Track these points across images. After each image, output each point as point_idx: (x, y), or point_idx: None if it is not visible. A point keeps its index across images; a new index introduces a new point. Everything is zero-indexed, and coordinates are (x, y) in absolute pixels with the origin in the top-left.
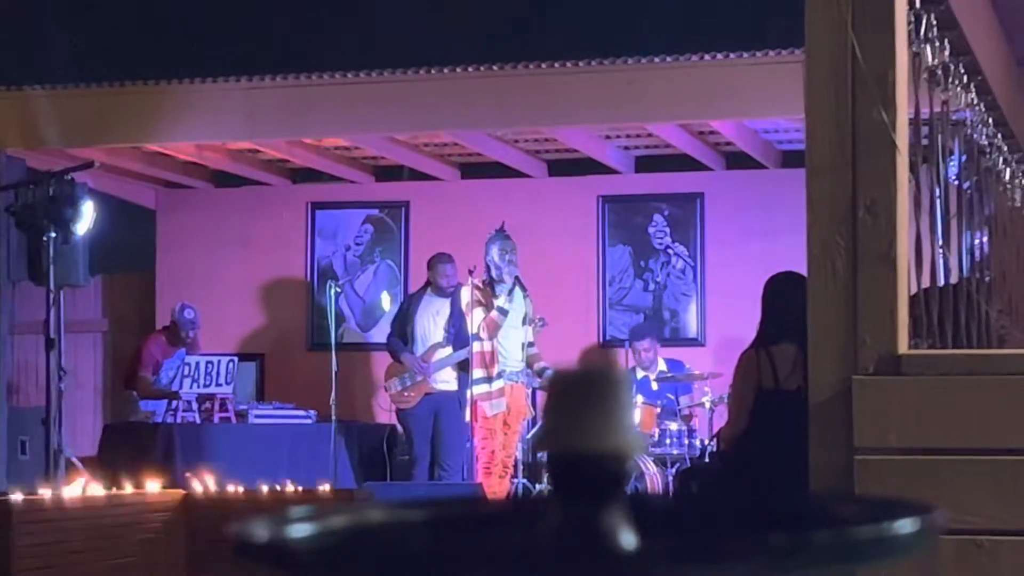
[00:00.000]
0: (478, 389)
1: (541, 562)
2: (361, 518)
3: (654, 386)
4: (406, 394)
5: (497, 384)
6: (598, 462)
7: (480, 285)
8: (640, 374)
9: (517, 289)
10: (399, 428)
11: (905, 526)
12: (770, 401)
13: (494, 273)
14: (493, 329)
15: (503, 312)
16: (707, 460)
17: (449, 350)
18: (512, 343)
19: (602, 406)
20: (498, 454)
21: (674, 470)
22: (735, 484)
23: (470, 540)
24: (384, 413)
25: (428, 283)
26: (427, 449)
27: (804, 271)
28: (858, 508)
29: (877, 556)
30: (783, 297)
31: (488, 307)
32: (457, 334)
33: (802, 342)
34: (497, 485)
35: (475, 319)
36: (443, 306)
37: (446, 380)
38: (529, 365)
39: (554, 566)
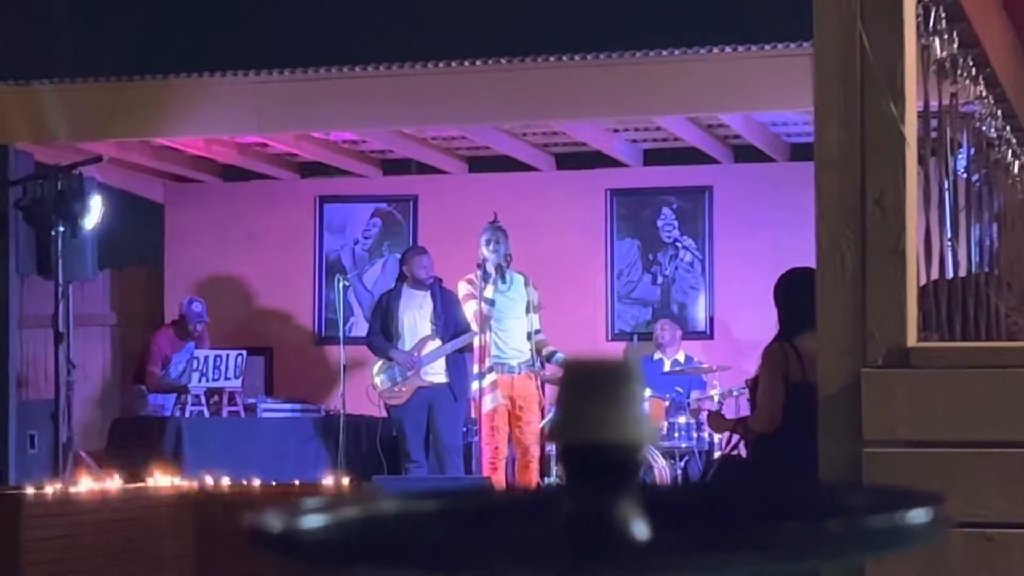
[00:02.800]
0: (473, 386)
1: (553, 551)
2: (375, 508)
3: (667, 365)
4: (396, 389)
5: (488, 379)
6: (610, 452)
7: (473, 278)
8: (656, 356)
9: (518, 278)
10: (392, 426)
11: (916, 516)
12: (798, 394)
13: (486, 265)
14: (481, 321)
15: (489, 303)
16: (732, 450)
17: (438, 342)
18: (516, 334)
19: (614, 396)
20: (502, 450)
21: (683, 463)
22: (768, 476)
23: (482, 530)
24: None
25: (404, 277)
26: (420, 444)
27: (813, 264)
28: (868, 498)
29: (887, 546)
30: (800, 290)
31: (479, 299)
32: (445, 326)
33: None
34: (501, 481)
35: (468, 312)
36: (424, 299)
37: (437, 372)
38: (538, 351)
39: (566, 556)
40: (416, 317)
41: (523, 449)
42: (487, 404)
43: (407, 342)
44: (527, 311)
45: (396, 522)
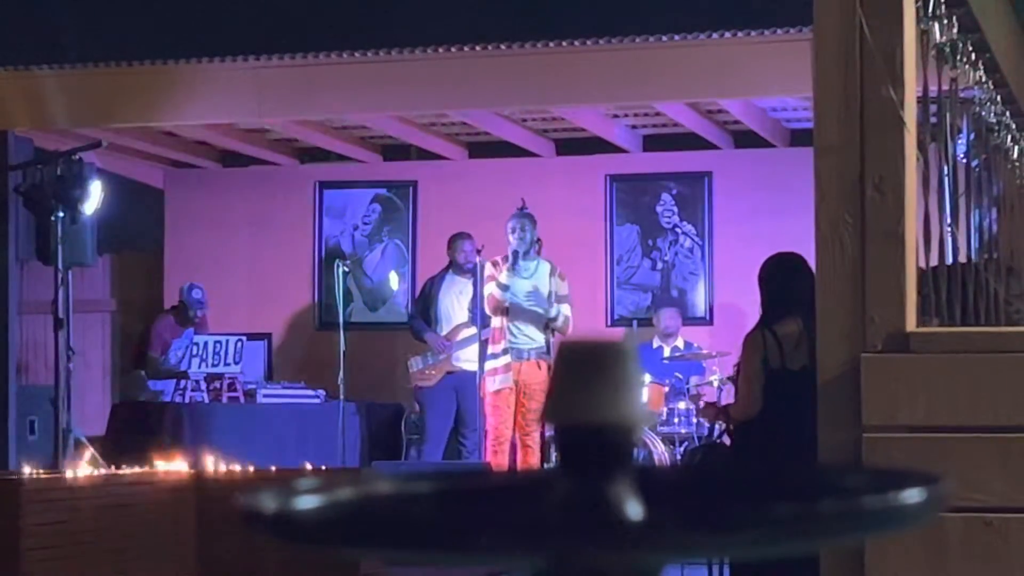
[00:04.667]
0: (487, 365)
1: (547, 531)
2: (370, 489)
3: (666, 352)
4: (427, 372)
5: (502, 360)
6: (605, 432)
7: (498, 261)
8: (656, 343)
9: (544, 267)
10: (415, 406)
11: (912, 496)
12: (777, 381)
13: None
14: (492, 305)
15: (502, 288)
16: (716, 439)
17: (474, 330)
18: (529, 322)
19: (609, 377)
20: (504, 433)
21: (682, 449)
22: (749, 462)
23: (477, 510)
24: (395, 393)
25: (450, 262)
26: (441, 427)
27: (812, 250)
28: (865, 478)
29: (884, 525)
30: (780, 276)
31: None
32: (483, 313)
33: (805, 318)
34: (503, 465)
35: (485, 293)
36: (466, 285)
37: (470, 359)
38: (559, 329)
39: (560, 536)
40: (454, 303)
41: (524, 434)
42: (495, 384)
43: (444, 327)
44: (548, 300)
45: (391, 502)
